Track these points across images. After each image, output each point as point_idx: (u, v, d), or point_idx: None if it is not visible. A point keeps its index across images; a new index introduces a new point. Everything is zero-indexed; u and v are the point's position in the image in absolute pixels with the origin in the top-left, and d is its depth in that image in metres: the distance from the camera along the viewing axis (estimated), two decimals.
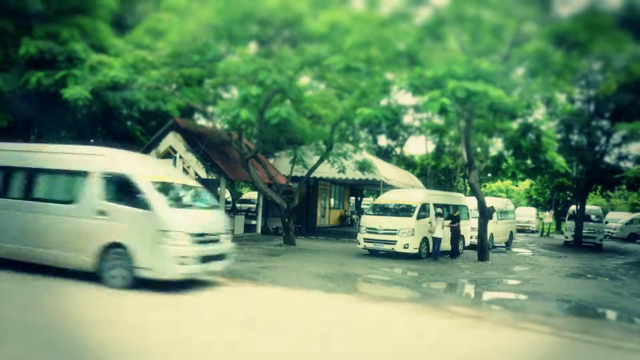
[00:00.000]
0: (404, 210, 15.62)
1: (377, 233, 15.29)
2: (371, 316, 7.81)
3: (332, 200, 29.08)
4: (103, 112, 19.14)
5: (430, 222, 15.40)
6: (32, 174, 9.22)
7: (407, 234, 14.90)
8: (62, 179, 9.14)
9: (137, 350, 5.37)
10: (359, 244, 15.77)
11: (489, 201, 17.55)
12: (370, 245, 15.52)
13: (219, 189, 19.33)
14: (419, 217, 15.28)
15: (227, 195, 28.07)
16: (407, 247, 14.87)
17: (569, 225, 25.27)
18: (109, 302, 7.45)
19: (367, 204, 32.67)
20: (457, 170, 33.91)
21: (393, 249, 14.89)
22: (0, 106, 15.66)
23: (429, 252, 15.64)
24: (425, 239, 15.49)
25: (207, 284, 9.16)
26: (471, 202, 18.35)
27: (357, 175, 20.45)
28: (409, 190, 20.28)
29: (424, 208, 15.71)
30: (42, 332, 5.85)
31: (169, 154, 17.00)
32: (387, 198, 17.08)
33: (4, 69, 15.23)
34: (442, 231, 15.34)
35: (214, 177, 17.71)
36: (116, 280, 8.13)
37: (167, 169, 10.66)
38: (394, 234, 14.97)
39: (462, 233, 17.18)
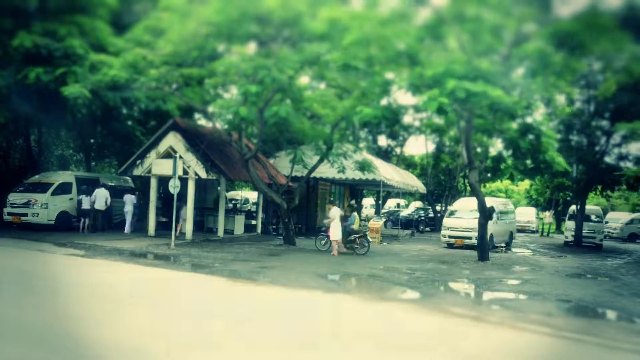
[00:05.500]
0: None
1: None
2: (371, 316, 7.81)
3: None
4: (103, 112, 19.15)
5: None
6: None
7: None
8: None
9: None
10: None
11: (489, 201, 17.70)
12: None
13: (219, 188, 19.33)
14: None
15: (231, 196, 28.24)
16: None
17: (569, 225, 25.25)
18: None
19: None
20: (457, 170, 33.91)
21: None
22: None
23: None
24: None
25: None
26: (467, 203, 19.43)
27: (357, 175, 20.44)
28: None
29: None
30: None
31: (169, 154, 16.98)
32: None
33: (1, 67, 15.22)
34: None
35: (214, 177, 17.69)
36: None
37: None
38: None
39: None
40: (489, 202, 17.91)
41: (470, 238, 19.42)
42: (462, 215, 20.57)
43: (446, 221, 21.25)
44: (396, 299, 9.79)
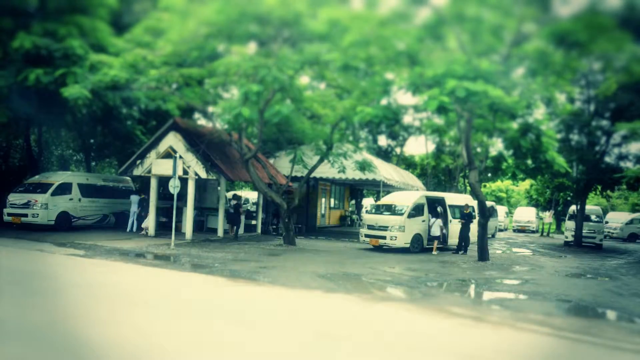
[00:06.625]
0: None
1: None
2: (371, 316, 7.81)
3: (332, 200, 29.09)
4: (103, 112, 19.16)
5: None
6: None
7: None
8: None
9: None
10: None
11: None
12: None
13: (218, 188, 19.33)
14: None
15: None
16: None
17: (569, 225, 25.25)
18: None
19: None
20: (457, 170, 33.93)
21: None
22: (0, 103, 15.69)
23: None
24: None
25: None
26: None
27: (357, 175, 20.45)
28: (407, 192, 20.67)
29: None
30: None
31: (169, 154, 16.99)
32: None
33: (1, 67, 15.23)
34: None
35: (214, 177, 17.69)
36: None
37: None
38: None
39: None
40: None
41: (384, 238, 16.69)
42: (384, 212, 17.44)
43: (366, 217, 18.28)
44: (396, 299, 9.79)
